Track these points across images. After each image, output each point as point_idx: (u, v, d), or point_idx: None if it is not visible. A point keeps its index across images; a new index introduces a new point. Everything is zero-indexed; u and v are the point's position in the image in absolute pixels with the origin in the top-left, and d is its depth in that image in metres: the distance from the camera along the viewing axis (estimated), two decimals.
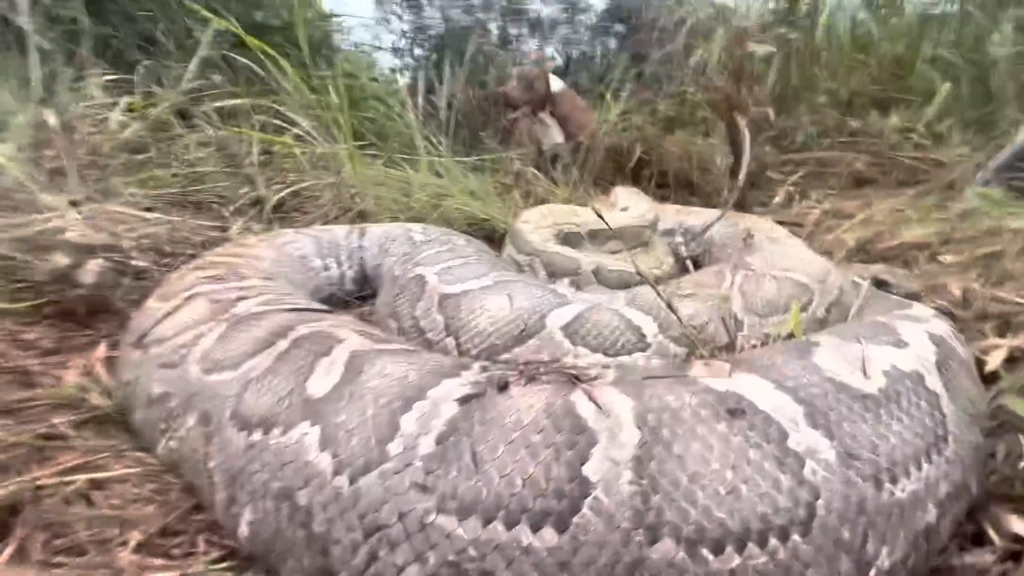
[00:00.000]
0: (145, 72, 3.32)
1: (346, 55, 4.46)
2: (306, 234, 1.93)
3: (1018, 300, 1.35)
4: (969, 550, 0.78)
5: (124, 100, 2.99)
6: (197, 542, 0.87)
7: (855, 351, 0.83)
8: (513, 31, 5.41)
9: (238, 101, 3.21)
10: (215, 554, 0.85)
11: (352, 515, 0.70)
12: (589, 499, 0.65)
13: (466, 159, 3.38)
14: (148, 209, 2.53)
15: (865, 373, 0.79)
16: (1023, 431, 0.99)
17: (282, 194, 2.70)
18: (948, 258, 1.95)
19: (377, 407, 0.76)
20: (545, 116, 3.28)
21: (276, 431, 0.81)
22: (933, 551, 0.76)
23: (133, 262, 1.95)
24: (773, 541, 0.65)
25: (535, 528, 0.65)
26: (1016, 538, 0.78)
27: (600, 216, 1.21)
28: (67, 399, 1.19)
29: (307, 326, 1.03)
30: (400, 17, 5.43)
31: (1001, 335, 1.31)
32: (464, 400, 0.74)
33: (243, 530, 0.80)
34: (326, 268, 1.91)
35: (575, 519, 0.64)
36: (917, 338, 0.90)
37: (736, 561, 0.64)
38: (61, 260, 1.83)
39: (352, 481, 0.71)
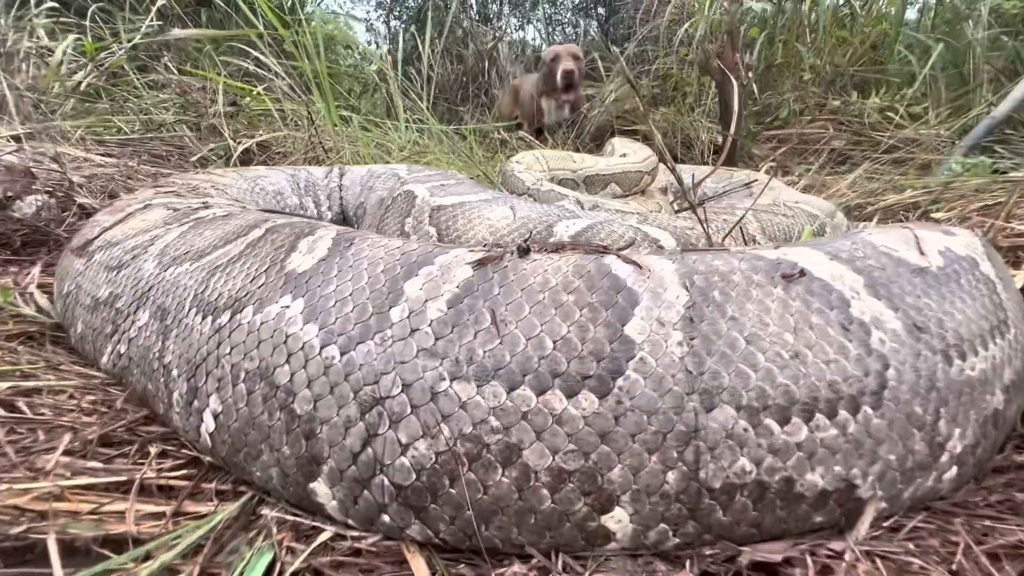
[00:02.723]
0: (97, 17, 3.07)
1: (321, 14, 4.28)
2: (280, 170, 1.77)
3: None
4: None
5: (71, 38, 2.73)
6: (148, 451, 0.72)
7: (905, 233, 0.76)
8: (494, 7, 5.28)
9: (202, 32, 2.98)
10: (171, 463, 0.71)
11: (344, 389, 0.57)
12: (634, 361, 0.54)
13: (447, 127, 3.25)
14: (101, 155, 2.32)
15: (921, 251, 0.72)
16: None
17: (249, 143, 2.51)
18: (940, 215, 1.94)
19: (374, 275, 0.64)
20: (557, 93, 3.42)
21: (248, 310, 0.67)
22: (999, 442, 0.69)
23: (79, 199, 1.76)
24: (843, 412, 0.56)
25: (570, 393, 0.54)
26: None
27: (661, 147, 1.10)
28: None
29: (284, 218, 0.90)
30: None
31: (1015, 267, 1.28)
32: (479, 264, 0.62)
33: (207, 425, 0.66)
34: (303, 207, 1.75)
35: (618, 382, 0.54)
36: (961, 231, 0.83)
37: (804, 433, 0.55)
38: None
39: (344, 352, 0.59)
